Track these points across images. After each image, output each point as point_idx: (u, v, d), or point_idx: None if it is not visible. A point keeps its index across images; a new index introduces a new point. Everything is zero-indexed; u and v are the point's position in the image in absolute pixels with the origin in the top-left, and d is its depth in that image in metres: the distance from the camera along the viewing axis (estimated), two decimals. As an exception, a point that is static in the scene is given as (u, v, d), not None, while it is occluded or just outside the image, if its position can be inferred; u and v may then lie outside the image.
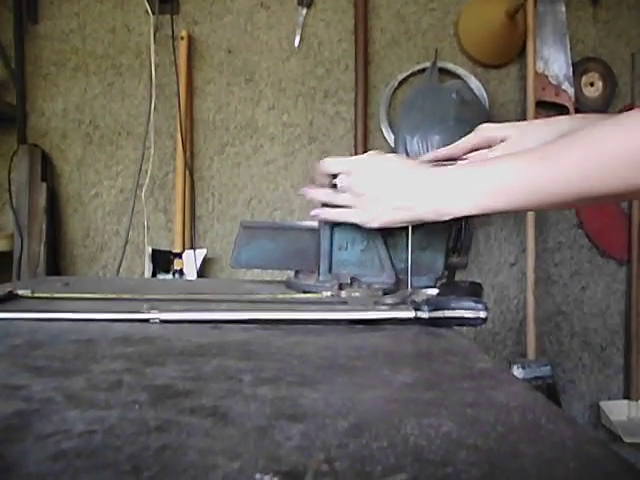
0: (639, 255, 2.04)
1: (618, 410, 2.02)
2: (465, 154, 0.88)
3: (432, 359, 0.48)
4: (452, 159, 0.89)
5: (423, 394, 0.37)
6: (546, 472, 0.26)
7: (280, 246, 0.90)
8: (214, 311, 0.60)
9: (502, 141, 0.86)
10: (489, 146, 0.87)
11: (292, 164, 2.03)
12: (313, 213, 0.82)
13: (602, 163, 0.59)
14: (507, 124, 0.90)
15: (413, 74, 2.02)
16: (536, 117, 1.94)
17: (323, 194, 0.81)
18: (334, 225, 0.84)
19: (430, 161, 0.89)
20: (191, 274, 1.90)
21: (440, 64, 1.97)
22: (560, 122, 0.86)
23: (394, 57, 2.03)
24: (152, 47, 1.94)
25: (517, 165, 0.66)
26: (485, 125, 0.89)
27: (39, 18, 2.01)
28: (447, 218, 0.71)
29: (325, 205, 0.81)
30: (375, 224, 0.76)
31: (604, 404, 2.04)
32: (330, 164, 0.81)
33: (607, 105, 2.06)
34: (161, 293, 0.78)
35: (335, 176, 0.79)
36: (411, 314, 0.59)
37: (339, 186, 0.78)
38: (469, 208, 0.69)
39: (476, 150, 0.88)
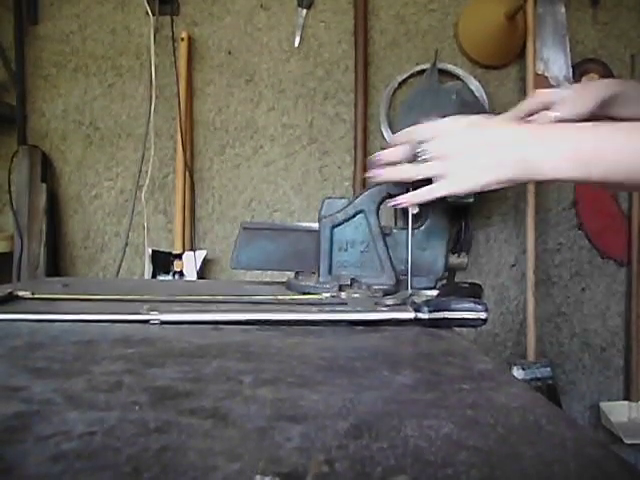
0: (639, 256, 2.04)
1: (618, 411, 2.02)
2: (527, 116, 0.84)
3: (432, 360, 0.48)
4: None
5: (423, 395, 0.37)
6: (546, 473, 0.26)
7: (280, 247, 0.90)
8: (214, 312, 0.60)
9: (560, 102, 0.82)
10: (547, 108, 0.83)
11: (292, 165, 2.03)
12: (392, 203, 0.75)
13: None
14: (560, 88, 0.88)
15: (413, 75, 2.02)
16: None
17: (402, 171, 0.74)
18: (334, 226, 0.84)
19: None
20: (191, 275, 1.90)
21: (440, 65, 1.97)
22: (612, 82, 0.84)
23: (394, 58, 2.03)
24: (152, 48, 1.94)
25: (622, 134, 0.62)
26: (540, 90, 0.85)
27: (39, 19, 2.01)
28: (547, 179, 0.66)
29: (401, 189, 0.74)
30: (471, 189, 0.69)
31: (604, 405, 2.04)
32: (407, 133, 0.74)
33: (607, 106, 2.05)
34: (161, 294, 0.78)
35: (417, 150, 0.72)
36: (411, 315, 0.59)
37: (422, 154, 0.71)
38: (574, 174, 0.64)
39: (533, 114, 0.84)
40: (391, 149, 0.76)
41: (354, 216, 0.84)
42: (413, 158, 0.72)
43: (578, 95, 0.82)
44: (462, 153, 0.69)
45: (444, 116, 0.77)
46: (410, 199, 0.73)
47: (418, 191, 0.72)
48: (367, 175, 0.77)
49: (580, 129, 0.67)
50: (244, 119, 2.02)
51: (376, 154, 0.77)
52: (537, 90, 0.86)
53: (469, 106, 1.83)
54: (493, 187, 0.69)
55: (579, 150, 0.64)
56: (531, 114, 0.84)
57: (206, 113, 2.02)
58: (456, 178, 0.69)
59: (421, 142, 0.71)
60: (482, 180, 0.68)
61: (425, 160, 0.70)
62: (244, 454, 0.27)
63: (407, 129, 0.75)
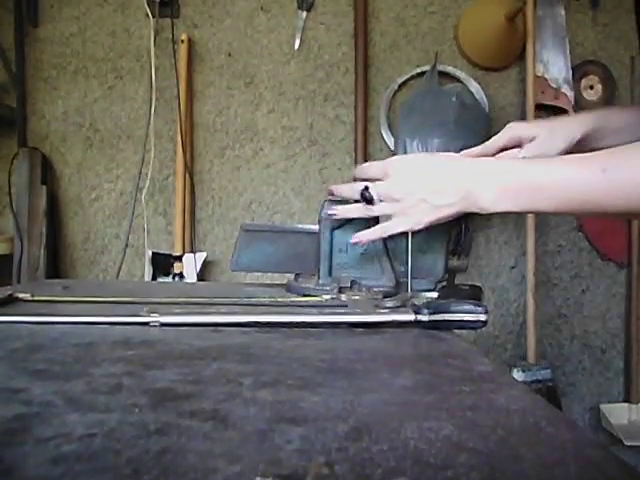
0: (639, 258, 2.04)
1: (618, 413, 2.02)
2: (496, 154, 0.87)
3: (432, 362, 0.48)
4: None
5: (423, 397, 0.37)
6: (546, 475, 0.26)
7: (280, 249, 0.90)
8: (214, 314, 0.60)
9: (531, 140, 0.84)
10: (518, 145, 0.85)
11: (292, 167, 2.03)
12: (354, 240, 0.79)
13: None
14: (535, 122, 0.90)
15: (413, 77, 2.02)
16: (536, 120, 1.94)
17: (356, 210, 0.78)
18: (334, 228, 0.84)
19: None
20: (191, 277, 1.90)
21: (440, 67, 1.98)
22: (587, 118, 0.85)
23: (394, 60, 2.03)
24: (152, 50, 1.94)
25: (576, 171, 0.64)
26: (514, 124, 0.88)
27: (39, 21, 2.02)
28: (492, 212, 0.70)
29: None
30: (421, 226, 0.74)
31: (604, 407, 2.04)
32: (362, 169, 0.79)
33: (607, 108, 2.06)
34: (161, 296, 0.78)
35: (364, 195, 0.76)
36: (411, 317, 0.59)
37: (376, 195, 0.75)
38: (517, 209, 0.68)
39: (506, 149, 0.87)
40: (345, 186, 0.80)
41: (354, 218, 0.84)
42: (363, 198, 0.76)
43: (550, 135, 0.84)
44: (410, 193, 0.73)
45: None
46: (371, 236, 0.78)
47: (374, 229, 0.77)
48: (328, 212, 0.81)
49: (515, 163, 0.71)
50: (244, 121, 2.03)
51: (332, 188, 0.82)
52: (511, 124, 0.88)
53: (469, 108, 1.83)
54: (443, 221, 0.74)
55: (510, 183, 0.67)
56: (503, 149, 0.86)
57: (206, 115, 2.02)
58: (407, 217, 0.74)
59: (367, 188, 0.75)
60: (432, 217, 0.73)
61: (375, 201, 0.75)
62: (244, 456, 0.27)
63: (362, 165, 0.81)
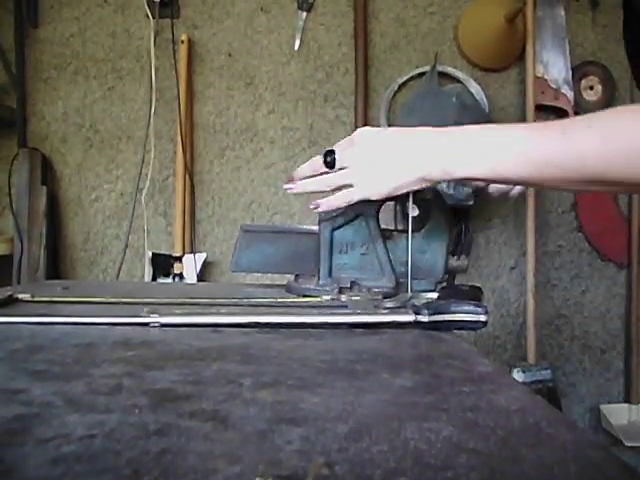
0: (639, 259, 2.04)
1: (618, 414, 2.02)
2: None
3: (432, 363, 0.48)
4: None
5: (423, 398, 0.37)
6: (547, 476, 0.26)
7: (280, 250, 0.90)
8: (214, 315, 0.60)
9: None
10: None
11: (292, 168, 2.02)
12: (312, 205, 0.77)
13: (624, 149, 0.58)
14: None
15: (413, 78, 2.02)
16: (536, 121, 1.94)
17: (315, 182, 0.77)
18: (334, 229, 0.84)
19: None
20: (191, 278, 1.90)
21: (440, 68, 1.98)
22: None
23: (394, 61, 2.03)
24: (152, 51, 1.94)
25: (537, 135, 0.64)
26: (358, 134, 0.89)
27: (39, 22, 2.02)
28: (457, 177, 0.69)
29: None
30: (383, 193, 0.73)
31: (604, 408, 2.04)
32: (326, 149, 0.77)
33: (607, 109, 2.06)
34: (161, 297, 0.78)
35: (327, 159, 0.75)
36: (411, 318, 0.59)
37: (337, 163, 0.74)
38: (483, 171, 0.67)
39: None
40: (306, 164, 0.78)
41: (354, 219, 0.84)
42: (326, 164, 0.75)
43: None
44: (371, 159, 0.72)
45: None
46: (328, 205, 0.76)
47: (334, 196, 0.76)
48: (285, 187, 0.80)
49: (478, 129, 0.71)
50: (244, 122, 2.03)
51: (292, 175, 0.80)
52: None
53: (469, 109, 1.83)
54: (406, 189, 0.72)
55: (523, 152, 0.65)
56: None
57: (206, 116, 2.02)
58: (367, 184, 0.73)
59: (331, 152, 0.74)
60: (393, 183, 0.72)
61: (337, 169, 0.74)
62: (244, 457, 0.27)
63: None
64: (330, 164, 0.75)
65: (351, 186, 0.74)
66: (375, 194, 0.74)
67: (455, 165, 0.68)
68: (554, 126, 0.64)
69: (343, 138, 0.77)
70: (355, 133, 0.76)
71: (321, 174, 0.77)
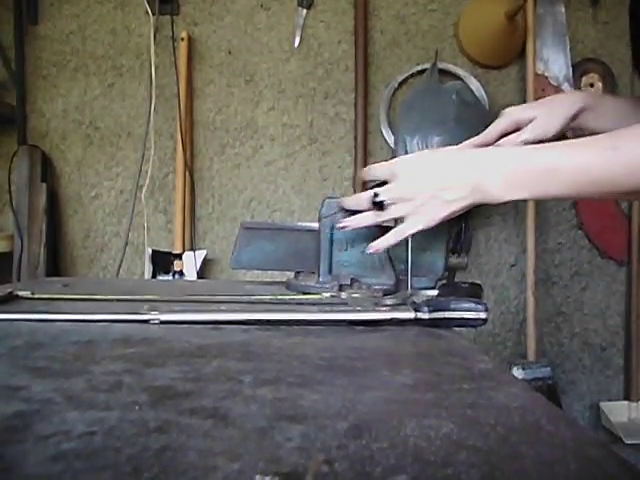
0: (639, 256, 2.04)
1: (618, 411, 2.02)
2: (496, 140, 0.88)
3: (432, 360, 0.48)
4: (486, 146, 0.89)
5: (423, 395, 0.37)
6: (546, 473, 0.26)
7: (280, 247, 0.90)
8: (214, 312, 0.60)
9: (530, 121, 0.85)
10: (517, 129, 0.86)
11: (292, 165, 2.03)
12: (372, 250, 0.78)
13: None
14: (531, 104, 0.91)
15: (413, 75, 2.02)
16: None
17: (369, 218, 0.77)
18: (334, 226, 0.84)
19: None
20: (191, 275, 1.90)
21: (440, 65, 1.97)
22: (581, 95, 0.87)
23: (394, 58, 2.03)
24: (152, 48, 1.94)
25: (586, 152, 0.64)
26: (511, 108, 0.89)
27: (39, 19, 2.01)
28: (510, 199, 0.69)
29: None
30: (435, 223, 0.73)
31: (604, 405, 2.04)
32: (370, 171, 0.78)
33: (607, 106, 2.06)
34: (161, 294, 0.78)
35: (375, 200, 0.74)
36: (411, 315, 0.59)
37: (387, 199, 0.74)
38: (525, 194, 0.68)
39: (506, 135, 0.88)
40: (352, 198, 0.80)
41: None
42: (374, 204, 0.75)
43: (547, 114, 0.85)
44: (421, 192, 0.72)
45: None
46: (387, 243, 0.77)
47: (389, 235, 0.76)
48: (338, 226, 0.80)
49: (521, 150, 0.71)
50: (244, 119, 2.02)
51: (340, 200, 0.81)
52: (507, 109, 0.89)
53: (469, 106, 1.83)
54: (459, 212, 0.72)
55: (519, 170, 0.67)
56: (503, 135, 0.87)
57: (206, 113, 2.02)
58: (420, 216, 0.73)
59: (378, 187, 0.74)
60: (445, 212, 0.72)
61: (386, 205, 0.74)
62: (244, 454, 0.27)
63: (366, 168, 0.80)
64: (379, 205, 0.74)
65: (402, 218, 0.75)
66: (429, 224, 0.73)
67: (502, 190, 0.68)
68: (601, 141, 0.64)
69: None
70: (393, 164, 0.76)
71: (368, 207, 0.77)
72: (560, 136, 0.85)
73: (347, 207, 0.80)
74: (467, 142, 0.88)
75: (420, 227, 0.74)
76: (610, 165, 0.62)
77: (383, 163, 0.78)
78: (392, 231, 0.76)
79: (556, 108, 0.86)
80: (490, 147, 0.85)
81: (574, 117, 0.85)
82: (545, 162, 0.66)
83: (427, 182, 0.72)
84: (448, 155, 0.76)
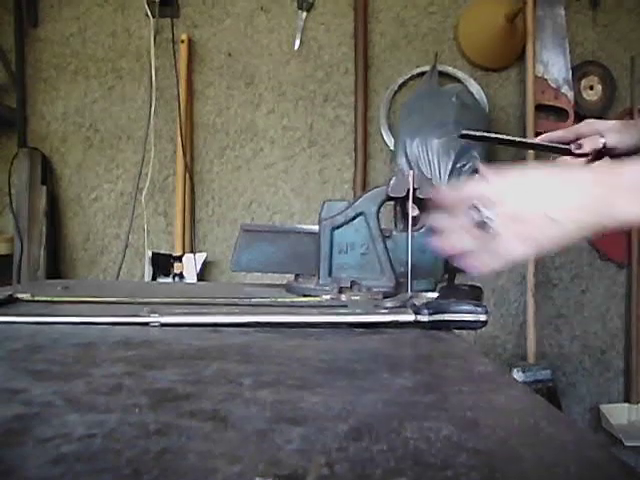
0: (639, 258, 2.04)
1: (618, 413, 2.02)
2: (574, 140, 0.91)
3: (432, 362, 0.48)
4: (564, 143, 0.93)
5: (423, 397, 0.37)
6: (546, 476, 0.26)
7: (280, 250, 0.90)
8: (214, 314, 0.60)
9: (609, 128, 0.91)
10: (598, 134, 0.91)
11: (292, 167, 2.03)
12: (474, 270, 0.65)
13: None
14: (608, 122, 0.94)
15: (413, 78, 2.02)
16: (535, 120, 1.94)
17: (468, 241, 0.64)
18: (334, 228, 0.84)
19: (544, 143, 0.95)
20: (191, 277, 1.90)
21: (440, 68, 1.98)
22: None
23: (394, 61, 2.03)
24: (152, 51, 1.94)
25: None
26: (592, 120, 0.94)
27: (39, 22, 2.02)
28: (632, 222, 0.61)
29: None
30: (555, 247, 0.62)
31: (604, 407, 2.04)
32: (472, 188, 0.65)
33: (607, 109, 2.06)
34: (161, 297, 0.78)
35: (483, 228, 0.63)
36: (411, 317, 0.59)
37: (495, 217, 0.61)
38: None
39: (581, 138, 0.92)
40: (450, 219, 0.66)
41: (354, 218, 0.84)
42: (477, 224, 0.63)
43: (624, 127, 0.90)
44: (537, 213, 0.61)
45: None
46: (488, 267, 0.64)
47: (495, 259, 0.63)
48: (434, 247, 0.67)
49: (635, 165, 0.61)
50: (244, 121, 2.03)
51: (436, 243, 0.66)
52: (588, 120, 0.94)
53: (469, 108, 1.83)
54: (573, 240, 0.62)
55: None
56: (579, 138, 0.91)
57: (206, 115, 2.02)
58: (538, 240, 0.62)
59: (479, 204, 0.62)
60: (568, 236, 0.61)
61: (492, 226, 0.62)
62: (244, 456, 0.27)
63: (456, 188, 0.66)
64: (482, 225, 0.62)
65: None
66: (547, 249, 0.63)
67: (630, 211, 0.59)
68: None
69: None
70: (501, 183, 0.64)
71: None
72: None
73: (445, 227, 0.66)
74: (545, 135, 0.93)
75: (536, 252, 0.63)
76: None
77: (479, 181, 0.65)
78: (495, 255, 0.63)
79: (630, 125, 0.91)
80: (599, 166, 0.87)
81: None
82: None
83: (545, 202, 0.61)
84: (561, 174, 0.65)
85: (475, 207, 0.62)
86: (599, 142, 0.89)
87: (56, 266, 1.99)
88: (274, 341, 0.54)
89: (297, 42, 2.01)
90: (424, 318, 0.59)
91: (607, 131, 0.90)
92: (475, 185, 0.66)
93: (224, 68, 2.02)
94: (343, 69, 2.02)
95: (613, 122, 0.94)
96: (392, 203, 0.88)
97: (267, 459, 0.27)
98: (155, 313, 0.59)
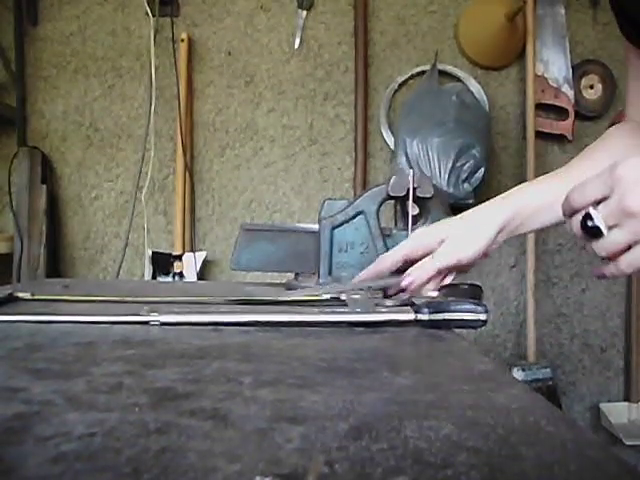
0: (639, 257, 2.03)
1: (618, 412, 2.02)
2: (402, 261, 0.77)
3: (432, 361, 0.48)
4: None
5: (423, 396, 0.37)
6: (546, 475, 0.26)
7: (280, 248, 0.90)
8: (214, 313, 0.60)
9: (443, 241, 0.76)
10: (428, 253, 0.76)
11: (292, 166, 2.03)
12: (600, 274, 0.59)
13: None
14: (444, 222, 0.79)
15: (413, 76, 2.02)
16: (536, 119, 1.94)
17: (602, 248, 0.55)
18: (334, 227, 0.84)
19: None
20: (191, 276, 1.90)
21: (440, 66, 1.97)
22: (502, 205, 0.80)
23: (394, 59, 2.03)
24: (152, 49, 1.94)
25: None
26: (420, 230, 0.80)
27: (39, 20, 2.02)
28: None
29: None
30: None
31: (604, 406, 2.04)
32: (580, 193, 0.56)
33: (607, 107, 2.06)
34: (161, 295, 0.78)
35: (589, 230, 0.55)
36: (411, 316, 0.59)
37: (603, 222, 0.54)
38: None
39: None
40: (580, 194, 0.56)
41: (354, 217, 0.84)
42: (585, 232, 0.56)
43: (465, 233, 0.77)
44: None
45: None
46: (612, 272, 0.58)
47: (622, 266, 0.56)
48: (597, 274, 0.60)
49: None
50: (244, 120, 2.02)
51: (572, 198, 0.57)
52: (417, 231, 0.80)
53: (469, 107, 1.83)
54: None
55: None
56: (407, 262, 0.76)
57: (206, 114, 2.02)
58: None
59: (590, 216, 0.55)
60: None
61: (604, 229, 0.55)
62: (244, 455, 0.27)
63: (576, 189, 0.56)
64: (594, 232, 0.55)
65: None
66: None
67: None
68: None
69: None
70: (612, 174, 0.53)
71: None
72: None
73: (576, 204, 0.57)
74: (359, 276, 0.78)
75: None
76: None
77: (594, 177, 0.55)
78: (624, 260, 0.55)
79: (477, 225, 0.78)
80: None
81: (500, 231, 0.78)
82: None
83: None
84: None
85: (584, 212, 0.55)
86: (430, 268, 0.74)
87: (56, 265, 1.99)
88: (274, 340, 0.54)
89: (297, 41, 2.01)
90: (424, 317, 0.59)
91: (442, 240, 0.74)
92: (581, 190, 0.56)
93: (224, 67, 2.02)
94: (343, 68, 2.02)
95: (454, 225, 0.77)
96: (392, 202, 0.88)
97: (267, 458, 0.27)
98: (155, 312, 0.59)
